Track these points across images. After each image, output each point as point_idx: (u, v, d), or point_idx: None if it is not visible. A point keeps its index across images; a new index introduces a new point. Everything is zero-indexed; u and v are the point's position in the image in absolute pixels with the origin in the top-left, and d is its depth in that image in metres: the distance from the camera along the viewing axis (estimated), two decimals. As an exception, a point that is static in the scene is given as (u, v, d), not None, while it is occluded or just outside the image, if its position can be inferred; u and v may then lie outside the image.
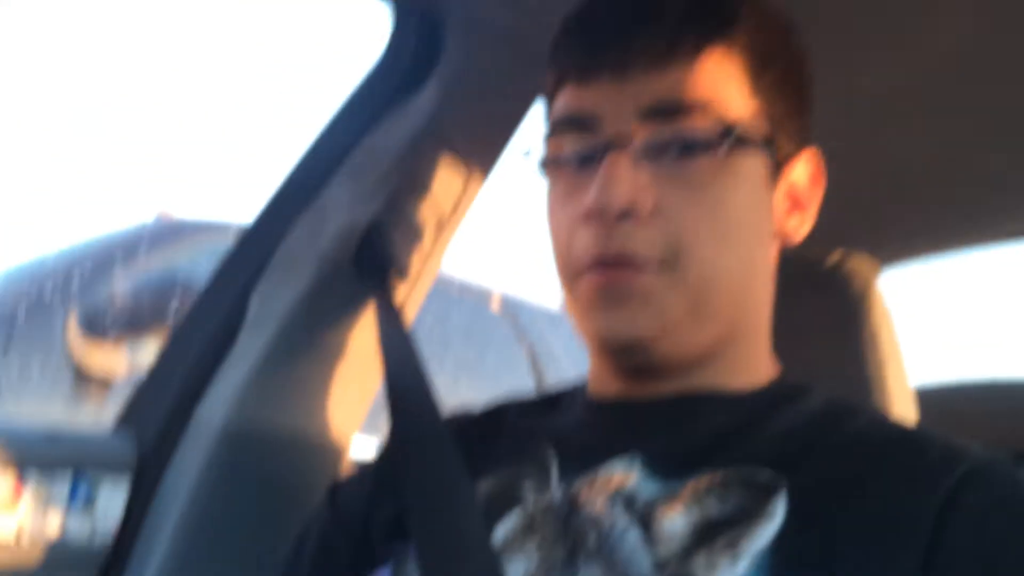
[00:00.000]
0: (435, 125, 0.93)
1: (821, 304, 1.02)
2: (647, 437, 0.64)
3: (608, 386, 0.69)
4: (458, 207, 1.00)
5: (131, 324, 2.38)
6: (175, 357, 0.94)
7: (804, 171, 0.70)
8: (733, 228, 0.63)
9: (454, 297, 2.95)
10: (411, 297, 1.01)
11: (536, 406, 0.76)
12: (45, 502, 0.80)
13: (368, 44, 0.96)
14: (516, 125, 0.96)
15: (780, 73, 0.66)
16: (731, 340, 0.66)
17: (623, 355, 0.66)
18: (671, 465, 0.61)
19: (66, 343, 2.47)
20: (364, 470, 0.78)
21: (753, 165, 0.64)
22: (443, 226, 1.00)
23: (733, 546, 0.56)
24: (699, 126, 0.62)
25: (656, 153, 0.62)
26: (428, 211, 0.97)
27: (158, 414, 0.90)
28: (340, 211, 0.92)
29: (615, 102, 0.63)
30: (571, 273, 0.65)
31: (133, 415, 0.92)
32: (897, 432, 0.62)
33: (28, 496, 0.79)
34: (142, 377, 0.95)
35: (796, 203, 0.69)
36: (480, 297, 3.00)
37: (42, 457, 0.81)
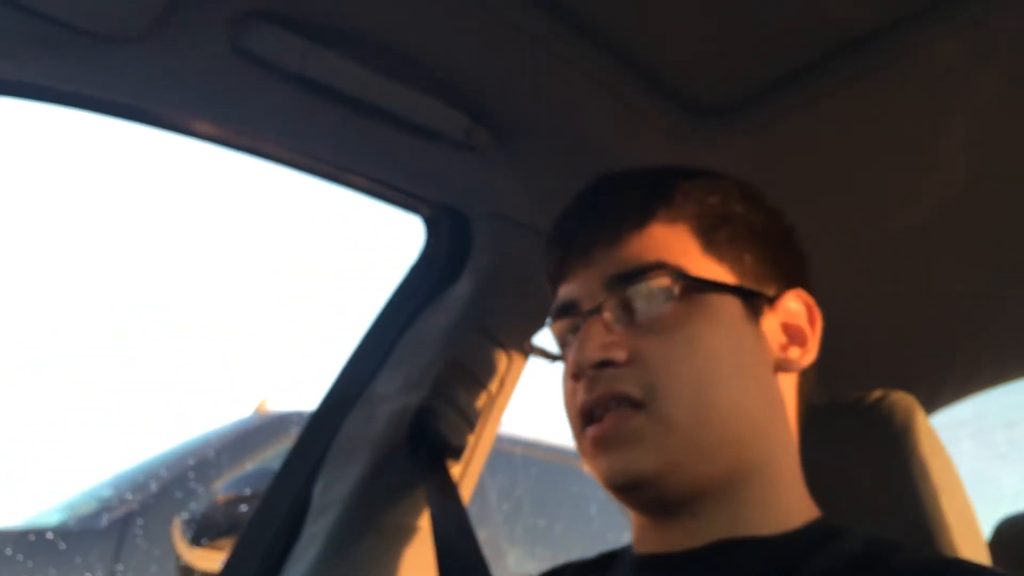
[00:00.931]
0: (472, 313, 1.01)
1: (865, 442, 1.02)
2: None
3: (647, 541, 0.72)
4: (504, 385, 1.06)
5: (232, 527, 2.46)
6: (249, 548, 1.00)
7: (795, 308, 0.75)
8: (711, 363, 0.69)
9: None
10: (467, 473, 1.06)
11: (592, 566, 0.79)
12: None
13: (405, 246, 1.07)
14: (548, 304, 1.03)
15: (735, 231, 0.74)
16: (749, 477, 0.69)
17: (631, 494, 0.70)
18: None
19: (173, 546, 2.55)
20: None
21: (723, 305, 0.71)
22: (491, 403, 1.06)
23: None
24: (654, 282, 0.70)
25: (624, 313, 0.71)
26: (474, 391, 1.04)
27: (235, 607, 0.95)
28: (391, 399, 1.00)
29: (586, 284, 0.73)
30: (576, 430, 0.72)
31: (212, 610, 0.97)
32: (933, 565, 0.63)
33: None
34: (221, 568, 1.00)
35: (793, 336, 0.75)
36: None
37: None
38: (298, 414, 2.91)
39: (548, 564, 0.82)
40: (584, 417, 0.70)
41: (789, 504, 0.71)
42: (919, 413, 1.01)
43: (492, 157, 0.92)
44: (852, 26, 0.80)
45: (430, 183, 0.98)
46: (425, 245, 1.05)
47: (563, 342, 0.77)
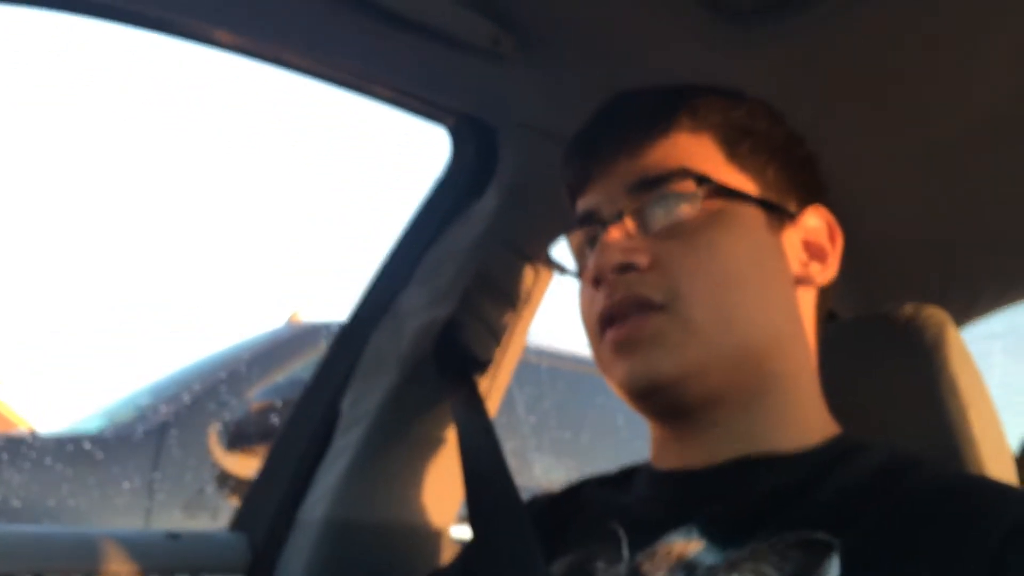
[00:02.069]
0: (499, 226, 1.00)
1: (896, 357, 1.01)
2: (704, 505, 0.66)
3: (666, 456, 0.73)
4: (530, 299, 1.06)
5: (266, 434, 2.52)
6: (279, 461, 1.02)
7: (816, 224, 0.75)
8: (733, 268, 0.69)
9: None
10: (494, 386, 1.07)
11: (611, 481, 0.80)
12: (166, 603, 0.89)
13: (430, 158, 1.05)
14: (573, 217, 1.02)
15: (757, 145, 0.74)
16: (769, 389, 0.69)
17: (651, 399, 0.70)
18: (729, 531, 0.63)
19: (210, 452, 2.63)
20: (455, 559, 0.83)
21: (745, 214, 0.71)
22: (517, 317, 1.06)
23: None
24: (677, 187, 0.70)
25: (646, 218, 0.70)
26: (500, 306, 1.04)
27: (267, 515, 0.98)
28: (418, 313, 1.00)
29: (607, 191, 0.73)
30: (594, 336, 0.72)
31: (245, 517, 1.00)
32: (953, 481, 0.63)
33: (149, 598, 0.88)
34: (252, 481, 1.03)
35: (814, 253, 0.74)
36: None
37: (163, 562, 0.89)
38: (329, 325, 2.95)
39: (575, 474, 0.83)
40: (603, 322, 0.70)
41: (808, 420, 0.71)
42: (951, 328, 1.00)
43: (519, 66, 0.90)
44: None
45: (455, 92, 0.96)
46: (451, 158, 1.03)
47: (580, 253, 0.76)
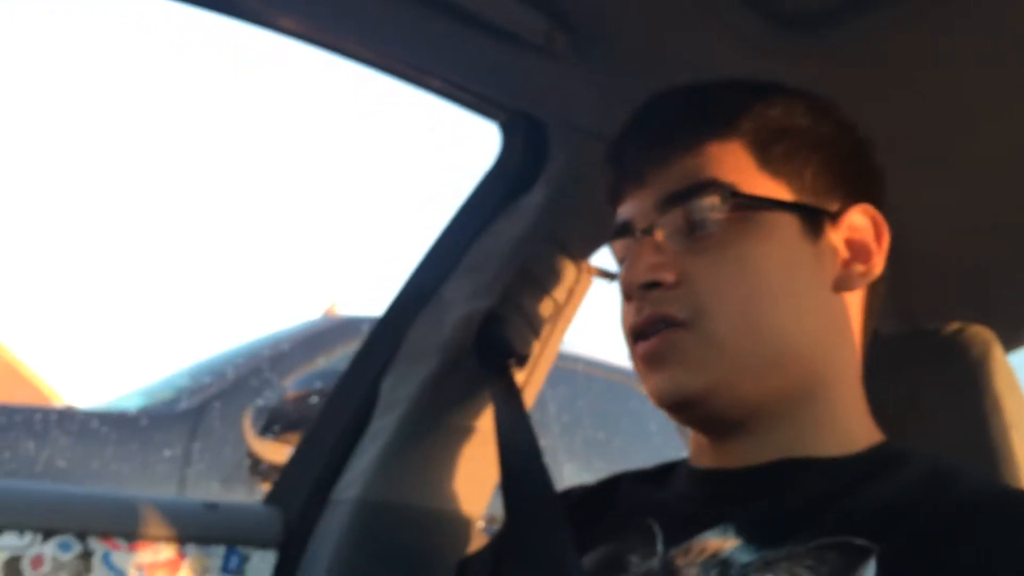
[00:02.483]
0: (545, 222, 1.01)
1: (939, 373, 1.01)
2: (741, 505, 0.67)
3: (705, 456, 0.73)
4: (572, 296, 1.07)
5: (300, 423, 2.55)
6: (316, 440, 1.04)
7: (860, 223, 0.73)
8: (761, 282, 0.68)
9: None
10: (531, 381, 1.08)
11: (648, 477, 0.80)
12: (201, 572, 0.91)
13: (480, 152, 1.07)
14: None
15: (794, 146, 0.72)
16: (807, 397, 0.69)
17: (683, 413, 0.70)
18: (765, 532, 0.63)
19: (244, 438, 2.66)
20: (488, 547, 0.84)
21: (777, 223, 0.69)
22: (558, 314, 1.07)
23: None
24: (705, 201, 0.69)
25: (675, 233, 0.70)
26: (542, 301, 1.05)
27: (302, 491, 1.00)
28: (460, 304, 1.01)
29: (639, 205, 0.73)
30: (631, 349, 0.72)
31: (280, 493, 1.02)
32: (995, 495, 0.63)
33: (186, 566, 0.90)
34: (289, 458, 1.05)
35: (857, 253, 0.73)
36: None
37: (199, 531, 0.91)
38: (364, 319, 2.97)
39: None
40: (635, 336, 0.70)
41: (850, 426, 0.70)
42: (996, 347, 0.99)
43: (571, 64, 0.91)
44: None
45: (507, 88, 0.97)
46: (501, 152, 1.04)
47: (622, 262, 0.77)
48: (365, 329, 2.87)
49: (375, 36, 0.89)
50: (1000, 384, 0.96)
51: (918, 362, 0.98)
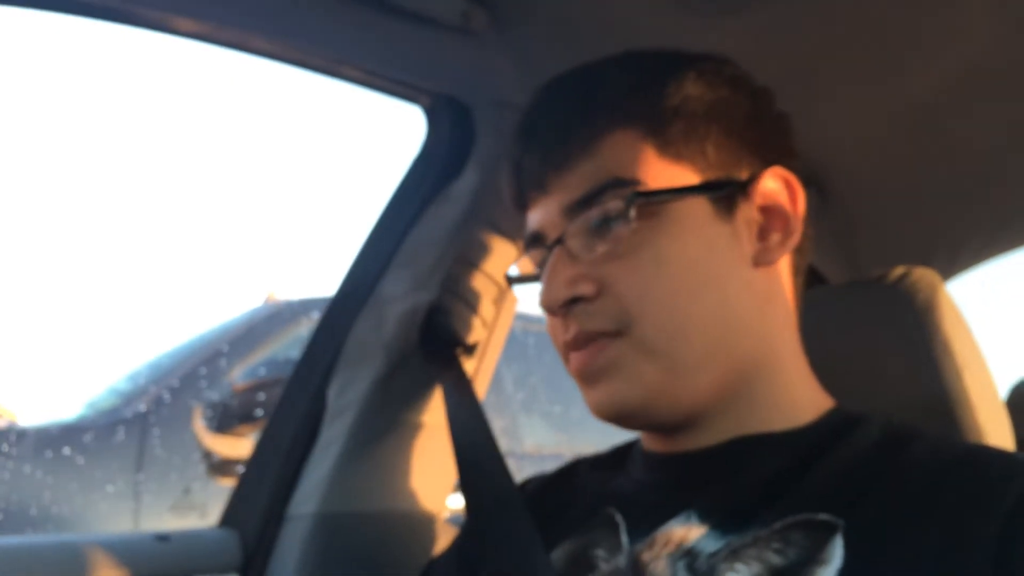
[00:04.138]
0: (479, 206, 0.98)
1: (889, 322, 1.01)
2: (700, 490, 0.65)
3: (656, 441, 0.71)
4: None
5: (249, 415, 2.51)
6: (266, 456, 1.01)
7: (773, 186, 0.69)
8: (683, 277, 0.65)
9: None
10: (481, 368, 1.05)
11: (604, 463, 0.78)
12: (159, 608, 0.87)
13: (406, 139, 1.03)
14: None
15: (691, 122, 0.68)
16: (749, 379, 0.67)
17: (623, 423, 0.68)
18: (728, 516, 0.62)
19: (198, 437, 2.61)
20: (452, 547, 0.82)
21: (687, 211, 0.66)
22: (502, 297, 1.04)
23: None
24: (610, 204, 0.65)
25: (586, 241, 0.67)
26: (484, 286, 1.02)
27: (257, 511, 0.96)
28: (400, 299, 0.97)
29: (546, 214, 0.69)
30: (565, 360, 0.70)
31: (235, 514, 0.99)
32: (956, 454, 0.61)
33: (143, 604, 0.86)
34: (240, 476, 1.01)
35: (774, 219, 0.69)
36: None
37: (153, 566, 0.87)
38: (308, 302, 2.93)
39: (565, 447, 0.82)
40: (566, 351, 0.68)
41: (797, 397, 0.69)
42: (942, 290, 0.99)
43: (492, 42, 0.87)
44: None
45: (428, 71, 0.93)
46: (426, 137, 1.00)
47: (539, 271, 0.73)
48: (307, 312, 2.84)
49: (284, 31, 0.84)
50: (949, 327, 0.96)
51: (867, 312, 0.98)
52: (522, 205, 0.73)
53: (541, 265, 0.71)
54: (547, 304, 0.67)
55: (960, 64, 0.91)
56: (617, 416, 0.67)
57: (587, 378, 0.67)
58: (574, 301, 0.66)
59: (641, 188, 0.65)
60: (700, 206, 0.66)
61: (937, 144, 1.06)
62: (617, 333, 0.65)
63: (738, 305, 0.67)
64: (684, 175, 0.67)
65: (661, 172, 0.66)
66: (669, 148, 0.67)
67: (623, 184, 0.65)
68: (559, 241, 0.67)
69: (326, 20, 0.82)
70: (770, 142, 0.71)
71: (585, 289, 0.66)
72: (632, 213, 0.64)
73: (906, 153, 1.08)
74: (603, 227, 0.66)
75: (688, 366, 0.65)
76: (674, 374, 0.65)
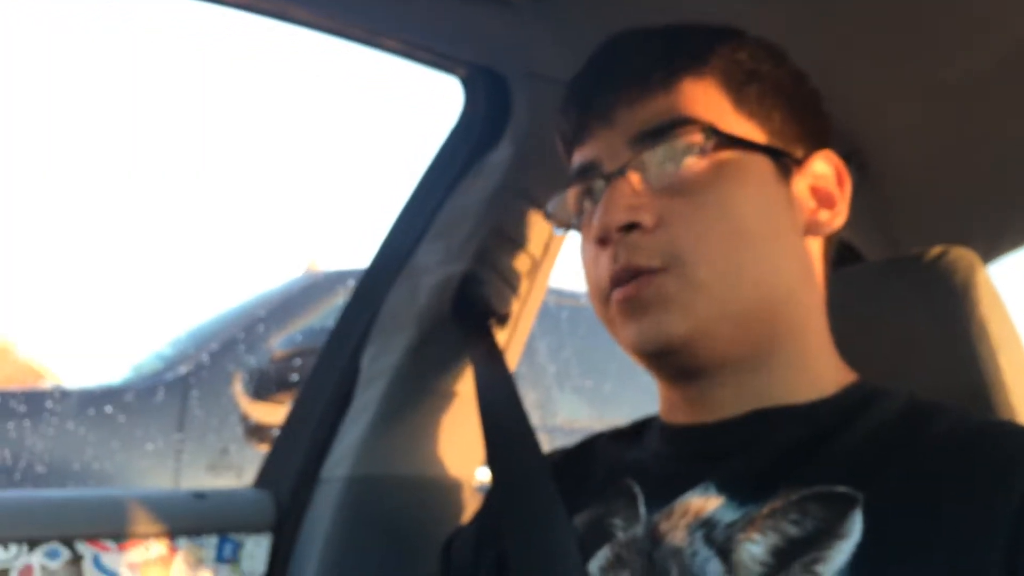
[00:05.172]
0: (514, 177, 0.98)
1: (925, 300, 1.00)
2: (719, 461, 0.65)
3: (678, 412, 0.71)
4: (548, 250, 1.05)
5: (286, 382, 2.54)
6: (301, 418, 1.03)
7: (824, 169, 0.72)
8: (742, 225, 0.66)
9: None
10: (513, 339, 1.06)
11: (623, 436, 0.78)
12: (195, 565, 0.90)
13: (443, 111, 1.03)
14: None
15: (764, 88, 0.70)
16: (780, 343, 0.67)
17: (662, 361, 0.68)
18: (746, 488, 0.62)
19: (237, 403, 2.66)
20: (473, 520, 0.83)
21: (754, 165, 0.67)
22: (535, 269, 1.05)
23: (811, 569, 0.57)
24: (683, 139, 0.66)
25: (651, 172, 0.67)
26: (518, 258, 1.02)
27: (291, 473, 0.98)
28: (434, 269, 0.99)
29: (608, 144, 0.69)
30: (601, 298, 0.69)
31: (269, 476, 1.01)
32: (976, 429, 0.61)
33: (179, 560, 0.89)
34: (275, 438, 1.03)
35: (823, 199, 0.71)
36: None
37: (190, 523, 0.90)
38: (347, 273, 2.95)
39: (597, 419, 0.82)
40: (610, 284, 0.67)
41: (821, 369, 0.69)
42: (980, 269, 0.98)
43: (529, 13, 0.87)
44: None
45: (465, 42, 0.93)
46: (463, 109, 1.01)
47: (578, 208, 0.73)
48: (347, 283, 2.87)
49: (325, 1, 0.85)
50: (985, 308, 0.95)
51: (903, 290, 0.97)
52: (578, 138, 0.73)
53: (590, 193, 0.71)
54: (604, 227, 0.66)
55: (1005, 42, 0.90)
56: (660, 349, 0.66)
57: (634, 308, 0.66)
58: (630, 228, 0.66)
59: (720, 129, 0.66)
60: (765, 165, 0.68)
61: (978, 124, 1.04)
62: (667, 269, 0.65)
63: (785, 266, 0.68)
64: (754, 133, 0.68)
65: (734, 123, 0.68)
66: (743, 106, 0.69)
67: (698, 122, 0.66)
68: (621, 171, 0.67)
69: (365, -10, 0.83)
70: (822, 131, 0.74)
71: (645, 218, 0.66)
72: (709, 146, 0.65)
73: (947, 132, 1.07)
74: (673, 158, 0.66)
75: (734, 311, 0.65)
76: (720, 316, 0.65)
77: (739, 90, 0.69)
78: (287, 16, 0.85)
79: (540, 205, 1.01)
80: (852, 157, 1.08)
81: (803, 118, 0.72)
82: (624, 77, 0.70)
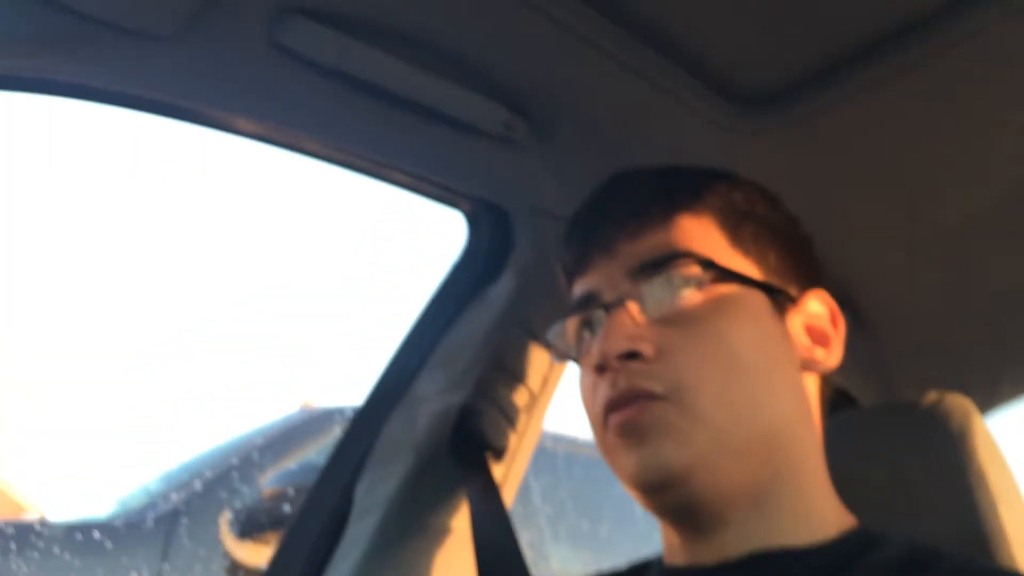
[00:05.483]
0: (515, 310, 1.00)
1: (921, 447, 0.99)
2: None
3: (677, 554, 0.70)
4: (547, 384, 1.05)
5: (279, 521, 2.48)
6: (292, 551, 1.00)
7: (819, 308, 0.73)
8: (740, 357, 0.66)
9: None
10: (510, 474, 1.05)
11: None
12: None
13: (449, 243, 1.06)
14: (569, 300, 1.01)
15: (759, 229, 0.72)
16: (780, 480, 0.66)
17: (662, 495, 0.66)
18: None
19: (222, 542, 2.58)
20: None
21: (750, 299, 0.69)
22: (534, 404, 1.05)
23: None
24: (681, 271, 0.68)
25: (649, 303, 0.68)
26: (517, 391, 1.02)
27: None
28: (433, 399, 0.98)
29: (608, 275, 0.71)
30: (598, 425, 0.69)
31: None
32: (979, 575, 0.61)
33: None
34: (265, 572, 1.00)
35: (817, 337, 0.72)
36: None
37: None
38: (342, 410, 2.93)
39: (592, 566, 0.80)
40: (608, 409, 0.67)
41: (822, 512, 0.68)
42: (976, 417, 0.98)
43: (532, 151, 0.90)
44: (903, 12, 0.77)
45: (470, 178, 0.97)
46: (467, 242, 1.03)
47: (577, 339, 0.74)
48: (342, 419, 2.85)
49: (334, 133, 0.88)
50: (983, 456, 0.94)
51: (899, 436, 0.97)
52: (579, 269, 0.74)
53: (589, 325, 0.72)
54: (603, 355, 0.66)
55: (997, 191, 0.93)
56: (660, 480, 0.64)
57: (632, 434, 0.65)
58: (631, 356, 0.66)
59: (718, 263, 0.68)
60: (760, 300, 0.69)
61: (970, 273, 1.06)
62: (668, 397, 0.64)
63: (783, 400, 0.68)
64: (750, 269, 0.70)
65: (730, 259, 0.70)
66: (738, 244, 0.71)
67: (696, 256, 0.68)
68: (620, 301, 0.68)
69: (375, 125, 0.86)
70: (815, 273, 0.76)
71: (645, 347, 0.66)
72: (706, 279, 0.67)
73: (939, 280, 1.09)
74: (671, 290, 0.67)
75: (734, 443, 0.65)
76: (720, 449, 0.64)
77: (735, 228, 0.71)
78: (299, 147, 0.89)
79: (540, 338, 1.02)
80: (844, 304, 1.10)
81: (797, 259, 0.74)
82: (625, 211, 0.72)
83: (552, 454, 2.92)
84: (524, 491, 2.60)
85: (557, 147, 0.89)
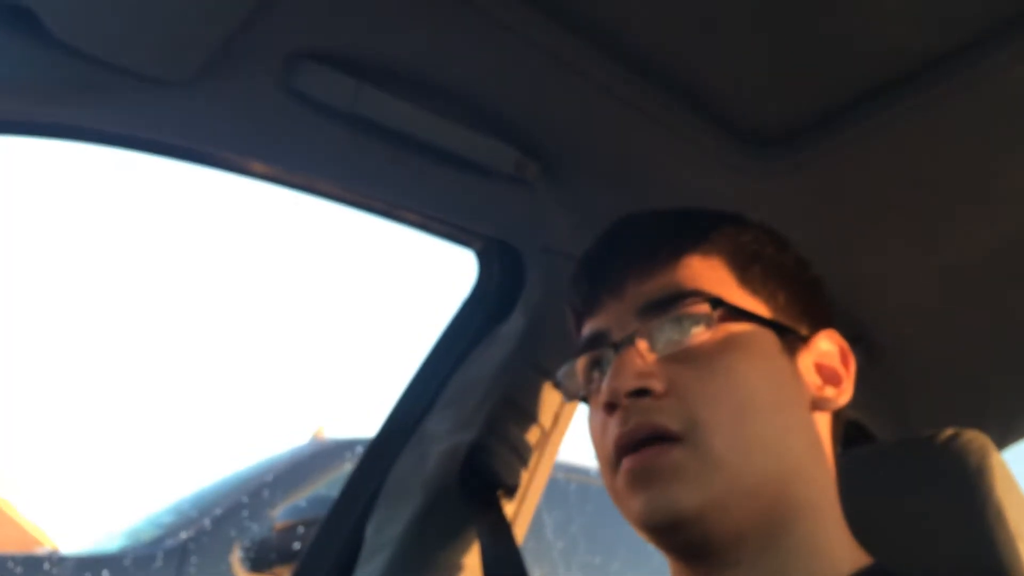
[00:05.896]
0: (525, 348, 1.00)
1: (938, 483, 0.98)
2: None
3: None
4: (558, 422, 1.04)
5: (288, 553, 2.47)
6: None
7: (829, 347, 0.73)
8: (751, 395, 0.66)
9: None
10: (521, 512, 1.04)
11: None
12: None
13: (459, 281, 1.06)
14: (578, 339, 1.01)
15: (768, 270, 0.73)
16: (792, 520, 0.66)
17: (672, 536, 0.65)
18: None
19: (232, 573, 2.57)
20: None
21: (759, 338, 0.69)
22: (545, 441, 1.04)
23: None
24: (690, 309, 0.68)
25: (659, 341, 0.68)
26: (528, 429, 1.02)
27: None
28: (443, 437, 0.98)
29: (617, 315, 0.71)
30: (609, 466, 0.68)
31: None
32: None
33: None
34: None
35: (828, 376, 0.72)
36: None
37: None
38: (354, 442, 2.93)
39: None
40: (619, 451, 0.66)
41: (835, 550, 0.68)
42: (994, 453, 0.97)
43: (543, 191, 0.91)
44: (915, 53, 0.77)
45: (481, 217, 0.97)
46: (477, 280, 1.04)
47: (587, 378, 0.74)
48: (354, 451, 2.84)
49: (348, 176, 0.89)
50: (1001, 492, 0.93)
51: (916, 472, 0.96)
52: (589, 309, 0.75)
53: (598, 364, 0.73)
54: (613, 392, 0.66)
55: (1009, 227, 0.93)
56: (671, 523, 0.64)
57: (644, 479, 0.65)
58: (640, 394, 0.66)
59: (727, 301, 0.68)
60: (770, 339, 0.69)
61: (986, 308, 1.06)
62: (679, 438, 0.64)
63: (794, 438, 0.68)
64: (759, 308, 0.70)
65: (739, 299, 0.70)
66: (747, 284, 0.71)
67: (704, 295, 0.68)
68: (629, 339, 0.68)
69: (387, 167, 0.87)
70: (826, 314, 0.76)
71: (655, 384, 0.66)
72: (714, 319, 0.67)
73: (955, 316, 1.09)
74: (681, 329, 0.68)
75: (746, 484, 0.64)
76: (732, 490, 0.64)
77: (744, 269, 0.72)
78: (312, 189, 0.90)
79: (551, 376, 1.02)
80: (859, 340, 1.10)
81: (807, 300, 0.74)
82: (634, 252, 0.73)
83: (564, 486, 2.91)
84: (536, 525, 2.59)
85: (568, 187, 0.90)
